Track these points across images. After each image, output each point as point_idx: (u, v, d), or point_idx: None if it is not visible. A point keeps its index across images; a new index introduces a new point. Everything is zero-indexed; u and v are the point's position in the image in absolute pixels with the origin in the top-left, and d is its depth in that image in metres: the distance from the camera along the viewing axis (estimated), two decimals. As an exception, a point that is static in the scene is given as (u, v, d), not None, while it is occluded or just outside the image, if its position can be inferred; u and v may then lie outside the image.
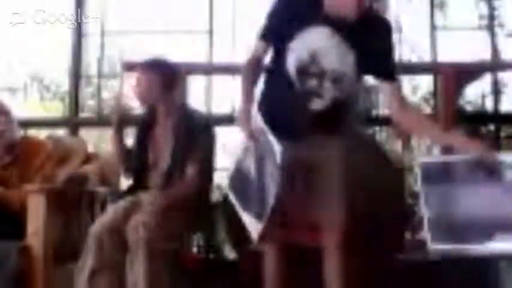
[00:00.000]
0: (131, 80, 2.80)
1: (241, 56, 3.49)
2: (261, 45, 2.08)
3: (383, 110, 3.87)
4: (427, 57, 4.09)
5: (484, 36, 4.14)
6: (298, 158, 1.91)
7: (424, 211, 2.11)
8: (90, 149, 3.17)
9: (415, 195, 3.70)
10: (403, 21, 3.85)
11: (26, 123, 3.56)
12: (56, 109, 4.71)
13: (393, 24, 3.72)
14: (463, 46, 3.99)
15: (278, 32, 2.02)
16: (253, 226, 1.87)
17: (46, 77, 4.75)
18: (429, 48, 3.99)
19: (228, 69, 3.64)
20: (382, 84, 2.11)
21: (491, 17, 4.13)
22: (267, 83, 2.12)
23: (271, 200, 1.79)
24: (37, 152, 2.78)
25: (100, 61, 4.12)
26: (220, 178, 2.93)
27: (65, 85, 4.33)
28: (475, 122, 4.08)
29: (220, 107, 3.74)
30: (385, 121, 3.81)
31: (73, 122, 3.94)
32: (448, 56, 3.95)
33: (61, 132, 3.93)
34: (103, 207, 2.72)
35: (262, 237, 1.88)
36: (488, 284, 2.34)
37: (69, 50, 4.07)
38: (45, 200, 2.44)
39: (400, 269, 2.65)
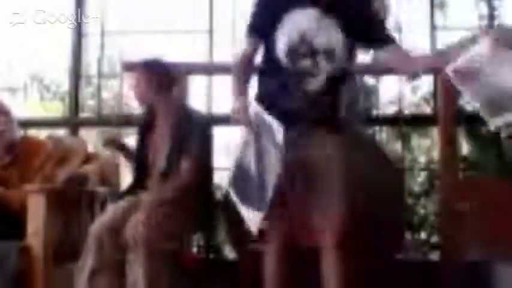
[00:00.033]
0: (130, 80, 2.81)
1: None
2: (250, 42, 2.10)
3: (383, 110, 3.87)
4: (427, 57, 4.07)
5: (484, 36, 4.12)
6: (298, 158, 1.91)
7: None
8: (90, 149, 3.17)
9: (415, 195, 3.71)
10: (403, 21, 3.85)
11: (26, 123, 3.55)
12: (56, 109, 4.69)
13: (393, 24, 3.73)
14: (463, 46, 3.98)
15: (264, 24, 2.04)
16: (252, 219, 1.87)
17: (46, 77, 4.74)
18: (429, 48, 3.99)
19: (228, 69, 3.61)
20: (384, 53, 2.08)
21: (491, 17, 4.12)
22: (261, 81, 2.12)
23: (270, 192, 1.79)
24: (37, 152, 2.78)
25: (100, 61, 4.11)
26: (220, 178, 2.94)
27: (65, 85, 4.32)
28: (475, 122, 4.07)
29: (220, 107, 3.73)
30: (385, 121, 3.81)
31: (73, 122, 3.93)
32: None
33: (61, 132, 3.92)
34: (103, 207, 2.72)
35: (262, 232, 1.87)
36: (487, 285, 2.34)
37: (69, 50, 4.06)
38: (45, 200, 2.44)
39: (400, 269, 2.66)
